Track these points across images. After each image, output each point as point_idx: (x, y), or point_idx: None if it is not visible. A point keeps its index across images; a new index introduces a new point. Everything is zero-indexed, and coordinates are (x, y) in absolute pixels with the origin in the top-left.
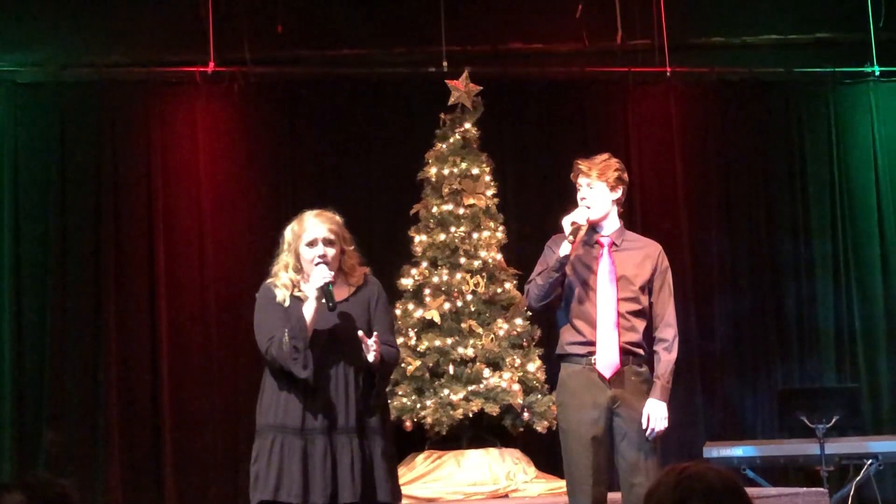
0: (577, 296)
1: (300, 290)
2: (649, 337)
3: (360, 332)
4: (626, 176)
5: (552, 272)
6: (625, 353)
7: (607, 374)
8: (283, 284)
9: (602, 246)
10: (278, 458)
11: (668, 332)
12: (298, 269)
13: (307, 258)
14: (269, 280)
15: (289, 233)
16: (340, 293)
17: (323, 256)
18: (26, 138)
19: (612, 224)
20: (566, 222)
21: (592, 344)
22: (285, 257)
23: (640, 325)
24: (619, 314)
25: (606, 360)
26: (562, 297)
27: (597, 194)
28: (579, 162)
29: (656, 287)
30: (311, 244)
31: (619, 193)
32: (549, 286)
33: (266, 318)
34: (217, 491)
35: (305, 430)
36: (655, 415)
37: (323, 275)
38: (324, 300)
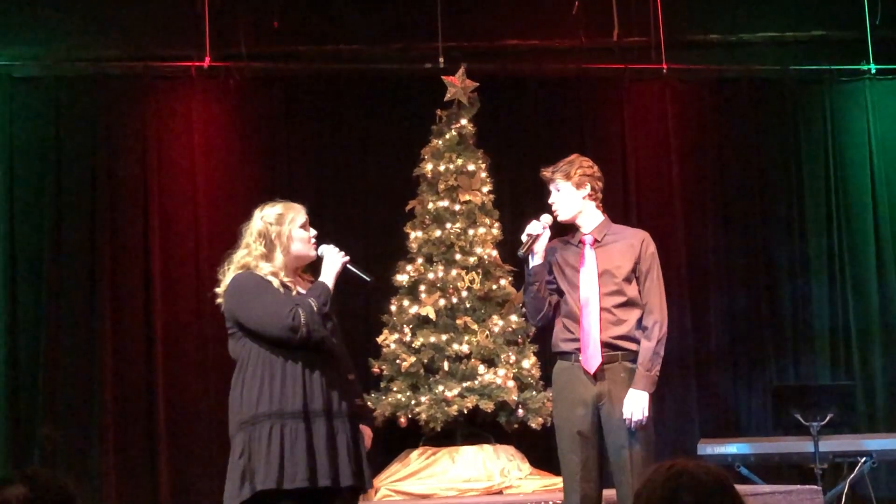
0: (566, 295)
1: (287, 278)
2: None
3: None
4: (594, 171)
5: (528, 286)
6: (611, 347)
7: (591, 369)
8: (270, 273)
9: (584, 244)
10: (279, 445)
11: (649, 319)
12: (269, 259)
13: (301, 238)
14: (241, 270)
15: (272, 218)
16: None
17: (315, 237)
18: (22, 132)
19: (591, 221)
20: (523, 236)
21: (579, 340)
22: (259, 247)
23: (631, 316)
24: (603, 309)
25: (589, 356)
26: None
27: (563, 195)
28: (542, 169)
29: (642, 274)
30: (305, 226)
31: (587, 189)
32: (534, 300)
33: (273, 296)
34: (211, 485)
35: (309, 412)
36: (632, 405)
37: (340, 253)
38: (360, 273)
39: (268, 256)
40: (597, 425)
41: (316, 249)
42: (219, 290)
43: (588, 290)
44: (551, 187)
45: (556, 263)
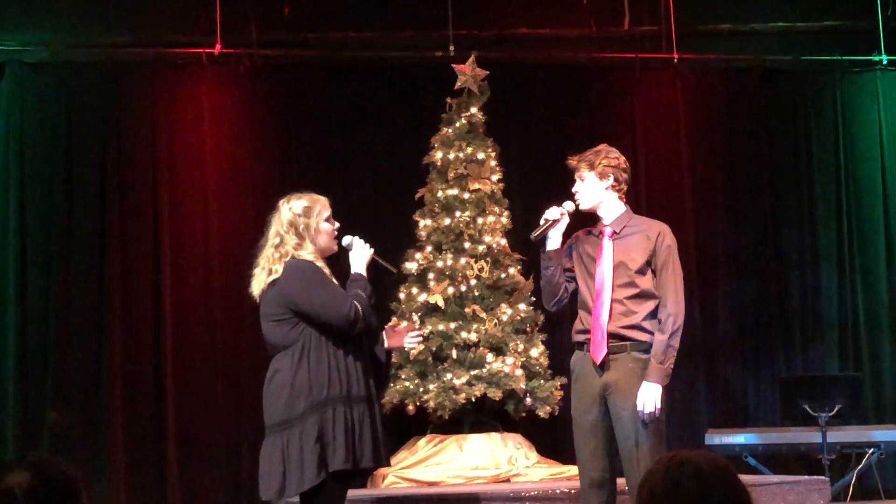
0: (582, 286)
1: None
2: None
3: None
4: (618, 162)
5: (543, 270)
6: (619, 338)
7: (597, 359)
8: (315, 258)
9: (603, 235)
10: (352, 426)
11: (663, 312)
12: (302, 248)
13: (327, 231)
14: (296, 258)
15: (299, 209)
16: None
17: (337, 230)
18: (32, 118)
19: (612, 211)
20: (542, 220)
21: (589, 331)
22: (293, 237)
23: (643, 308)
24: (615, 301)
25: (595, 347)
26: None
27: (586, 185)
28: (569, 157)
29: (658, 267)
30: (329, 219)
31: (609, 181)
32: (548, 285)
33: (332, 287)
34: (220, 472)
35: (371, 396)
36: (644, 397)
37: (367, 245)
38: (385, 265)
39: (301, 245)
40: (606, 415)
41: (338, 241)
42: (256, 279)
43: (602, 282)
44: (576, 176)
45: (576, 254)
